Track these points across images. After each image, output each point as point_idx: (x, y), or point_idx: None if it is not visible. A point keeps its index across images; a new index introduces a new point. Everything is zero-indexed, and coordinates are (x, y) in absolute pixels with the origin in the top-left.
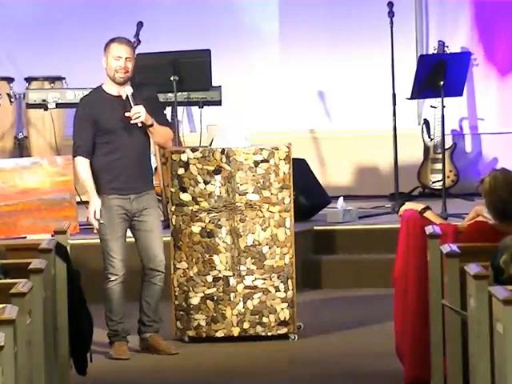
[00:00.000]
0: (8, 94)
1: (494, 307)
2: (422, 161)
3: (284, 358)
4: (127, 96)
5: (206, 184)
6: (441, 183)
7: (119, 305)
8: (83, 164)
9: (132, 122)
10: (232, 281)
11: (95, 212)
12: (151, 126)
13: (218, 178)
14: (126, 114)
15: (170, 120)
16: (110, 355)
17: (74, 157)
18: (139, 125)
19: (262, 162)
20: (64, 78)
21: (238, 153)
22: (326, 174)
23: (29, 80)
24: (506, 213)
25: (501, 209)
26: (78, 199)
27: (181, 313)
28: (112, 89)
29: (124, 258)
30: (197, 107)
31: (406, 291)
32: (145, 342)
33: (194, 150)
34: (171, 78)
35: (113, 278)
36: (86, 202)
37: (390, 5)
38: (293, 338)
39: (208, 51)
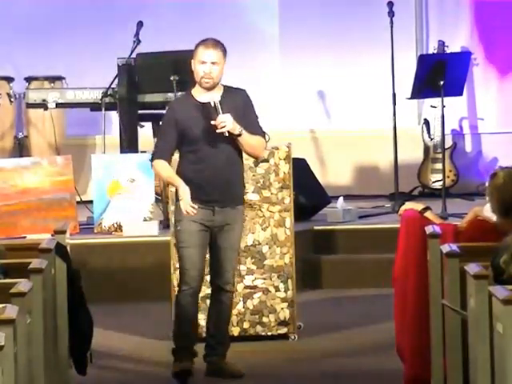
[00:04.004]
0: (8, 94)
1: (494, 307)
2: (422, 160)
3: (284, 358)
4: (214, 103)
5: None
6: (441, 183)
7: (188, 318)
8: (160, 164)
9: (218, 131)
10: None
11: (186, 197)
12: (239, 135)
13: None
14: (212, 123)
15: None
16: (174, 373)
17: (151, 161)
18: (226, 134)
19: (262, 161)
20: (64, 78)
21: None
22: (326, 174)
23: (29, 80)
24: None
25: (508, 204)
26: (78, 199)
27: None
28: (200, 95)
29: (200, 270)
30: None
31: (406, 291)
32: (209, 366)
33: None
34: (171, 78)
35: (184, 287)
36: (86, 202)
37: (390, 5)
38: (293, 337)
39: None
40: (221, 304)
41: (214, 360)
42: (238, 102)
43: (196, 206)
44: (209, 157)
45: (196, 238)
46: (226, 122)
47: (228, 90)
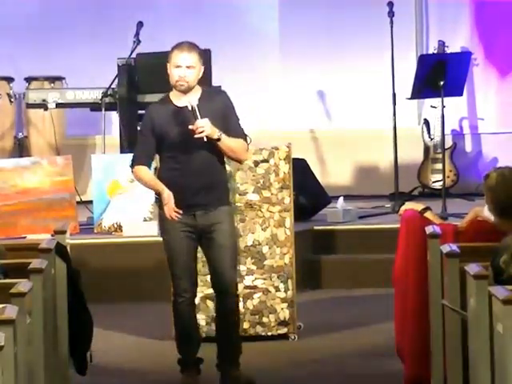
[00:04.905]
0: (8, 94)
1: (494, 307)
2: (422, 161)
3: (284, 358)
4: (192, 107)
5: None
6: (441, 183)
7: (187, 329)
8: (141, 170)
9: (196, 136)
10: None
11: (170, 202)
12: (218, 140)
13: None
14: (190, 127)
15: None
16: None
17: (131, 167)
18: (205, 139)
19: (262, 161)
20: (64, 78)
21: None
22: (326, 174)
23: (29, 80)
24: (507, 209)
25: (503, 205)
26: (78, 199)
27: None
28: (177, 98)
29: (192, 278)
30: None
31: (406, 291)
32: (222, 375)
33: None
34: None
35: (179, 299)
36: (86, 202)
37: (390, 5)
38: (293, 337)
39: (208, 51)
40: (225, 309)
41: (226, 368)
42: (217, 104)
43: (180, 211)
44: (188, 162)
45: (184, 247)
46: (204, 127)
47: (206, 92)
